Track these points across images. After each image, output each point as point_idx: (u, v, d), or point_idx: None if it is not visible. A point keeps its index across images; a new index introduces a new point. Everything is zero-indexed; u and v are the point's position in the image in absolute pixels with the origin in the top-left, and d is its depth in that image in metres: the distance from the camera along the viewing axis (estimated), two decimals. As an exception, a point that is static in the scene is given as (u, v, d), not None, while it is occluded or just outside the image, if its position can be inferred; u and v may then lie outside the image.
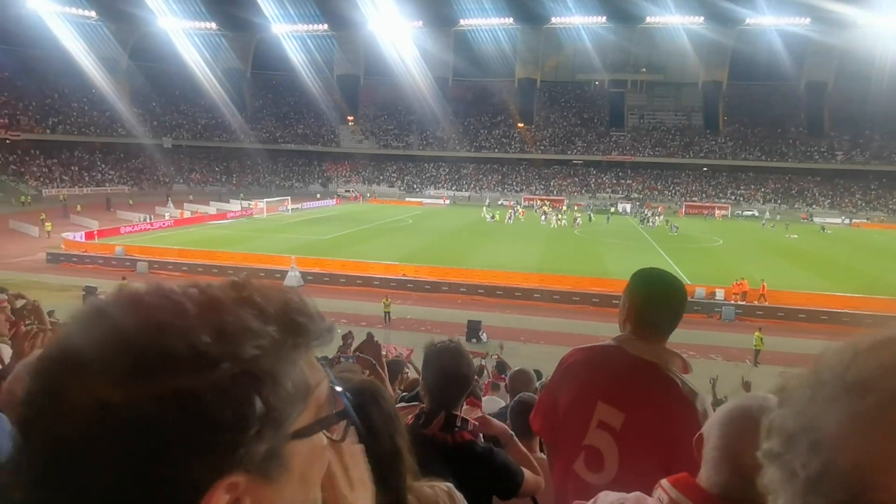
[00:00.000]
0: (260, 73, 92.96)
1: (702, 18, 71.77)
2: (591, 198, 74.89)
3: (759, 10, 66.31)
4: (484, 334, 22.10)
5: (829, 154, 73.54)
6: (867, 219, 65.17)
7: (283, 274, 29.98)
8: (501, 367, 11.98)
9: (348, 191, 79.27)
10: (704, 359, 19.98)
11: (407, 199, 76.21)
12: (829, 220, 63.78)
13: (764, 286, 27.32)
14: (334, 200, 71.81)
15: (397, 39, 78.96)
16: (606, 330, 2.24)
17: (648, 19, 74.44)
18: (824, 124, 76.65)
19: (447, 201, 75.09)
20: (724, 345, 22.23)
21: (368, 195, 77.89)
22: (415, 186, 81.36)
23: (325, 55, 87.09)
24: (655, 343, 2.07)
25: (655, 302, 2.10)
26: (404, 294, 28.29)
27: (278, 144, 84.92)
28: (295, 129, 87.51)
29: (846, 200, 70.22)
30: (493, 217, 56.24)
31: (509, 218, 55.96)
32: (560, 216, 55.76)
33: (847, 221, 64.54)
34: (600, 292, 26.55)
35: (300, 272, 30.08)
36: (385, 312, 23.92)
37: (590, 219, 57.96)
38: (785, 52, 72.54)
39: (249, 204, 58.11)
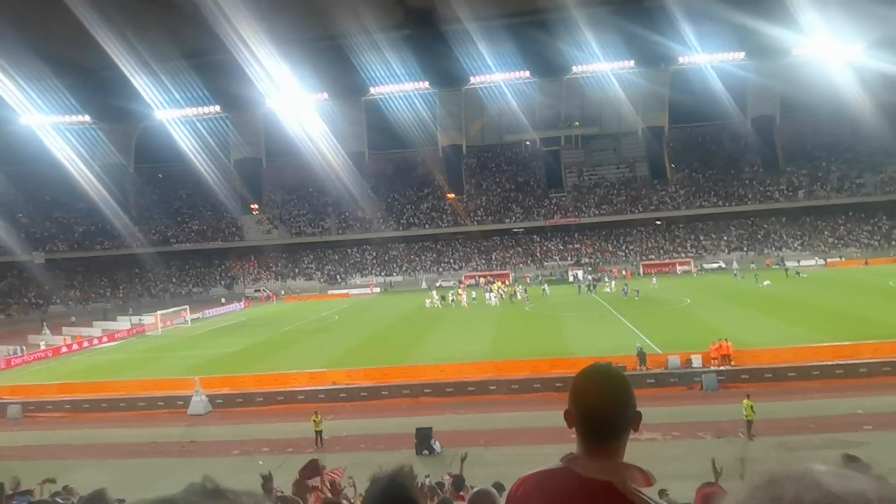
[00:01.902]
0: (145, 166, 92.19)
1: (632, 62, 75.35)
2: (539, 267, 75.87)
3: (690, 48, 70.05)
4: (437, 443, 21.30)
5: (790, 191, 77.15)
6: (841, 257, 68.19)
7: (187, 400, 28.60)
8: (459, 483, 11.34)
9: (258, 290, 78.02)
10: (692, 438, 19.70)
11: (330, 291, 75.56)
12: (803, 262, 66.47)
13: (729, 346, 27.51)
14: (242, 303, 70.41)
15: (301, 115, 79.62)
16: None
17: (575, 69, 77.53)
18: (779, 160, 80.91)
19: (376, 289, 74.66)
20: (712, 419, 21.94)
21: (283, 293, 76.76)
22: (337, 276, 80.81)
23: (220, 139, 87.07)
24: (608, 458, 2.03)
25: (598, 410, 2.08)
26: (338, 406, 27.31)
27: (171, 245, 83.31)
28: (189, 225, 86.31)
29: (817, 239, 73.37)
30: (436, 301, 55.67)
31: (452, 300, 55.81)
32: (498, 293, 56.19)
33: (822, 262, 67.42)
34: (563, 375, 26.14)
35: (206, 396, 28.76)
36: (316, 432, 22.78)
37: (543, 292, 58.30)
38: (724, 89, 76.48)
39: (140, 320, 56.41)
